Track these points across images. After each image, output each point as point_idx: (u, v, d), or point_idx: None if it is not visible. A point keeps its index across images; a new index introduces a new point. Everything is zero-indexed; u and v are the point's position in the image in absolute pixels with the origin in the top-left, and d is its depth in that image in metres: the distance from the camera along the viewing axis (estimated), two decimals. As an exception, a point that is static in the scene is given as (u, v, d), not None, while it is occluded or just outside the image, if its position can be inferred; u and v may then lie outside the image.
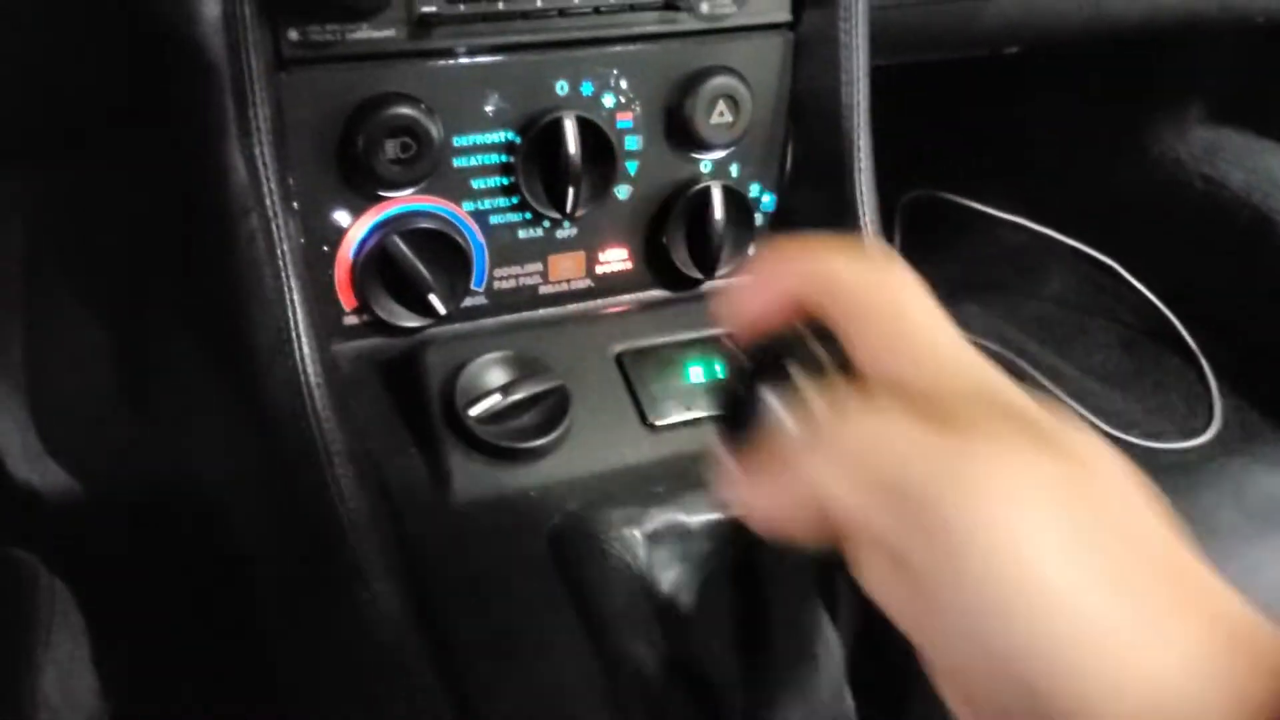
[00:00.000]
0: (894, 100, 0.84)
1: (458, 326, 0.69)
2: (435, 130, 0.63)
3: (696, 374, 0.68)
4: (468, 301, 0.68)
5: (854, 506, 0.30)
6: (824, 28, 0.69)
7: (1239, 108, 1.35)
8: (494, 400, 0.62)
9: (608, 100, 0.68)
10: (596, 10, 0.65)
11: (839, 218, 0.71)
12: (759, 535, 0.36)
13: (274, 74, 0.58)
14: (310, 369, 0.57)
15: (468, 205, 0.67)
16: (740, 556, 0.50)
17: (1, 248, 0.85)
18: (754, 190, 0.74)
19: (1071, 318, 1.43)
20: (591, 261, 0.72)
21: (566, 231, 0.70)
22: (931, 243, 1.44)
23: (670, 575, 0.59)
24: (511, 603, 0.55)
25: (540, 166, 0.67)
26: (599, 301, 0.73)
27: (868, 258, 0.36)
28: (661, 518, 0.59)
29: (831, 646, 0.53)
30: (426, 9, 0.61)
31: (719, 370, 0.68)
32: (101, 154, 0.72)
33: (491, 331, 0.68)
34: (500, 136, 0.66)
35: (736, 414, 0.38)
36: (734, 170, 0.73)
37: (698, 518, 0.59)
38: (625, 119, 0.69)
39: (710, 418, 0.66)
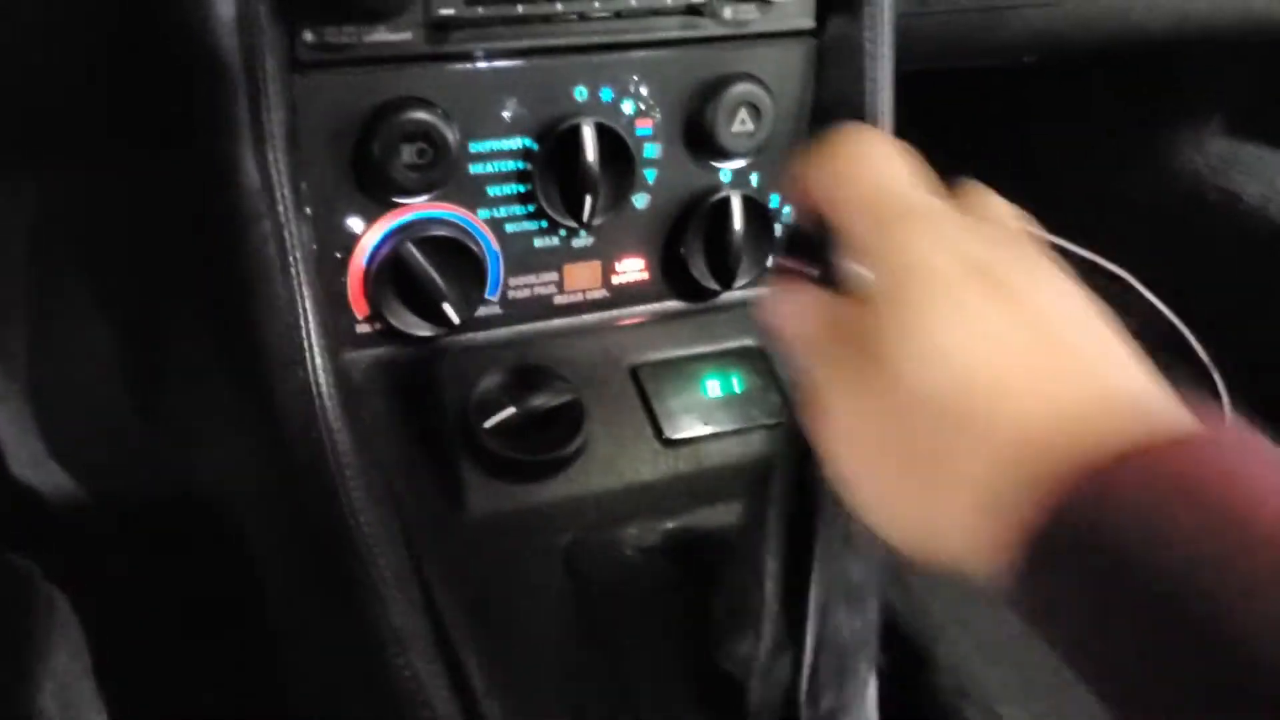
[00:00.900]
0: (905, 106, 0.83)
1: (471, 336, 0.67)
2: (452, 136, 0.61)
3: (714, 388, 0.66)
4: (481, 311, 0.67)
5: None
6: (849, 35, 0.68)
7: (1257, 120, 1.34)
8: (508, 413, 0.61)
9: (627, 107, 0.66)
10: (617, 15, 0.64)
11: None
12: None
13: (288, 76, 0.57)
14: (322, 380, 0.55)
15: (483, 213, 0.66)
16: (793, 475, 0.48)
17: (5, 249, 0.83)
18: (774, 200, 0.72)
19: (1083, 328, 1.42)
20: (608, 271, 0.71)
21: (583, 240, 0.69)
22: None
23: (687, 592, 0.57)
24: (526, 620, 0.54)
25: (557, 174, 0.65)
26: (615, 312, 0.72)
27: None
28: (677, 535, 0.58)
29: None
30: (445, 12, 0.60)
31: (736, 383, 0.67)
32: (110, 156, 0.71)
33: (505, 342, 0.67)
34: (517, 143, 0.65)
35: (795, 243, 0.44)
36: (754, 179, 0.71)
37: (714, 535, 0.58)
38: (645, 126, 0.67)
39: (725, 432, 0.65)
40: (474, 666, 0.51)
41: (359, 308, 0.64)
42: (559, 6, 0.62)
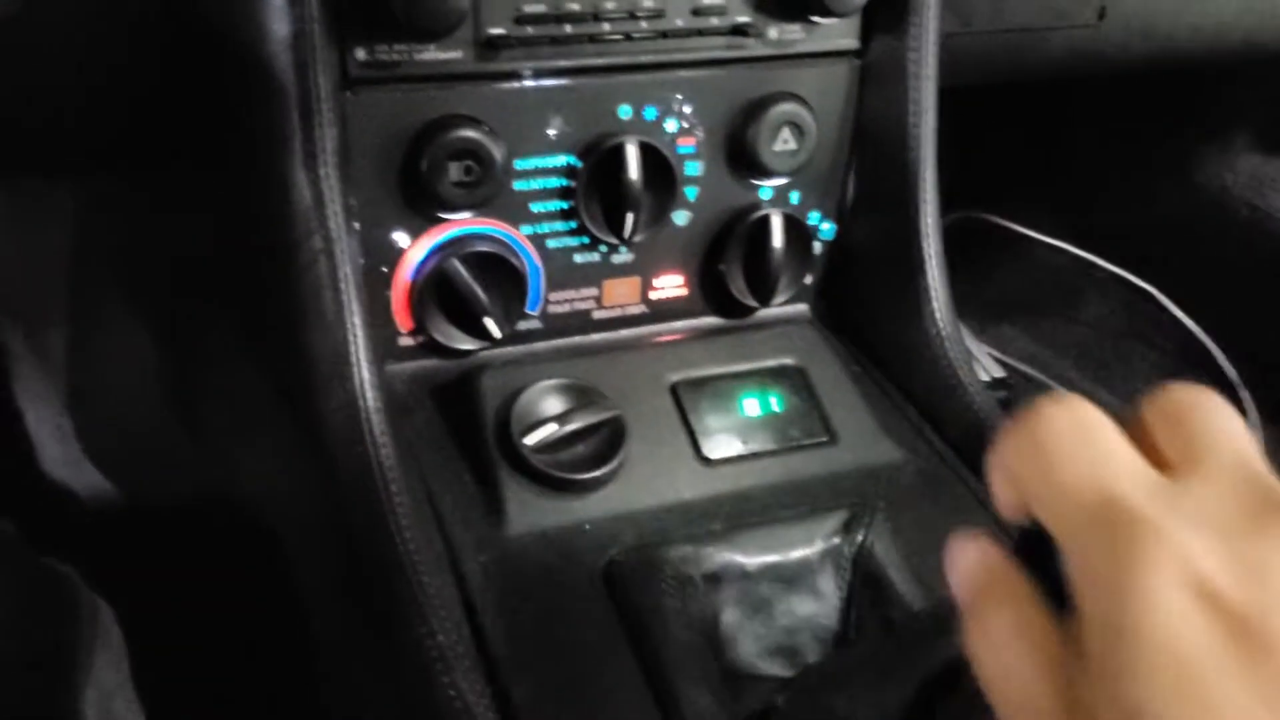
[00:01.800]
0: (938, 121, 0.83)
1: (511, 350, 0.68)
2: (498, 153, 0.62)
3: (752, 407, 0.67)
4: (522, 325, 0.67)
5: None
6: (893, 56, 0.68)
7: (1287, 137, 1.34)
8: (550, 429, 0.61)
9: (670, 125, 0.67)
10: (663, 35, 0.64)
11: (903, 248, 0.70)
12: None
13: (340, 94, 0.58)
14: (369, 394, 0.56)
15: (525, 229, 0.66)
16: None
17: (47, 252, 0.84)
18: (813, 218, 0.73)
19: (1109, 344, 1.42)
20: (647, 287, 0.71)
21: (623, 256, 0.69)
22: (971, 264, 1.42)
23: (726, 618, 0.58)
24: (568, 642, 0.54)
25: (600, 191, 0.66)
26: (653, 327, 0.72)
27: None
28: (719, 558, 0.58)
29: None
30: (494, 31, 0.60)
31: (775, 403, 0.67)
32: (158, 169, 0.72)
33: (545, 356, 0.67)
34: (561, 160, 0.65)
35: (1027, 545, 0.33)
36: (794, 197, 0.72)
37: (756, 560, 0.58)
38: (687, 144, 0.67)
39: (764, 451, 0.65)
40: (517, 687, 0.51)
41: (403, 321, 0.65)
42: (605, 27, 0.63)
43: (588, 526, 0.59)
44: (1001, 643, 0.30)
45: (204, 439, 0.79)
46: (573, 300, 0.70)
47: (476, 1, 0.59)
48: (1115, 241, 1.36)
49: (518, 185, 0.65)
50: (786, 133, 0.68)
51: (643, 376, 0.67)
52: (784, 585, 0.58)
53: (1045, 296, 1.45)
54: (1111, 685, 0.27)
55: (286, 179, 0.55)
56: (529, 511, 0.59)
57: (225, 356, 0.74)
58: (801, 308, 0.75)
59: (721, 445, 0.65)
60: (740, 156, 0.69)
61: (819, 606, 0.59)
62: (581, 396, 0.63)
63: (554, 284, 0.68)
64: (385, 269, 0.63)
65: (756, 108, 0.67)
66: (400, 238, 0.63)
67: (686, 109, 0.67)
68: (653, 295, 0.71)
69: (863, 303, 0.73)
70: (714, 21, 0.65)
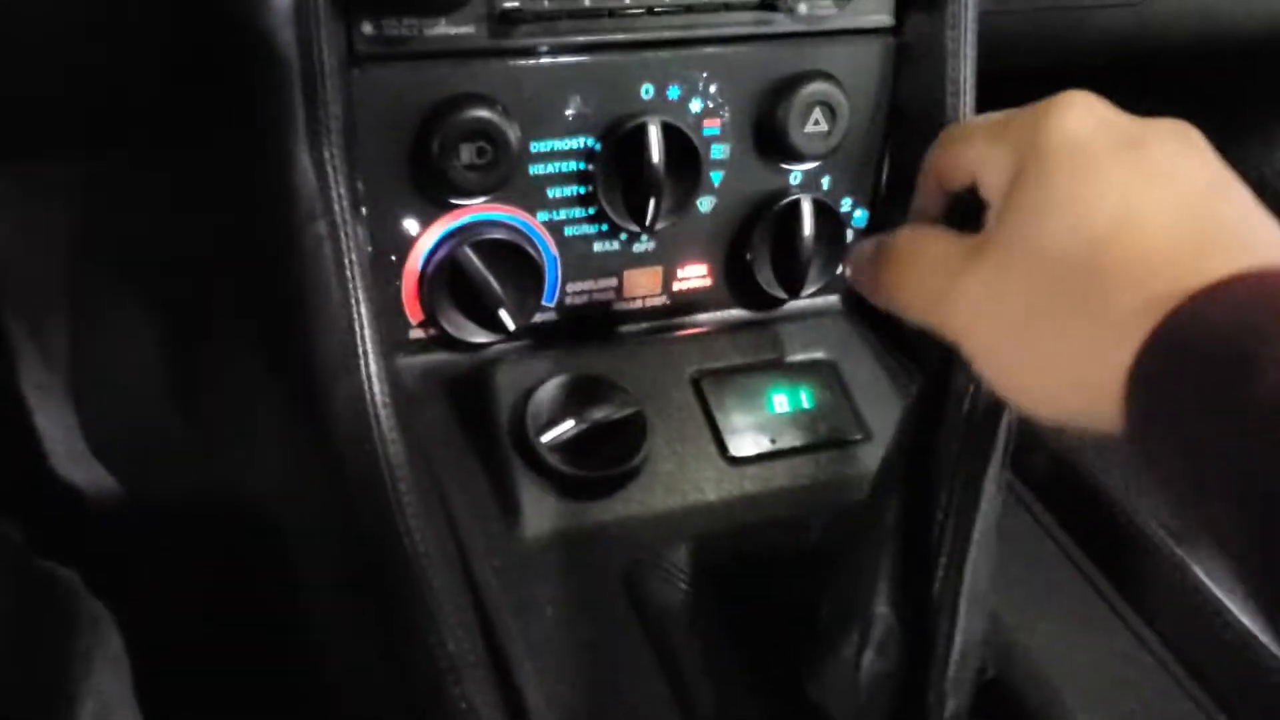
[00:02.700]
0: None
1: (527, 343, 0.65)
2: (513, 135, 0.58)
3: (780, 403, 0.63)
4: (538, 317, 0.64)
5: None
6: (930, 34, 0.65)
7: (1328, 128, 1.30)
8: (567, 426, 0.58)
9: (694, 105, 0.63)
10: (687, 9, 0.61)
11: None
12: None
13: (346, 71, 0.55)
14: (377, 388, 0.53)
15: (542, 215, 0.63)
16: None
17: (45, 237, 0.82)
18: (845, 204, 0.69)
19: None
20: (669, 277, 0.68)
21: (644, 245, 0.66)
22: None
23: (753, 618, 0.55)
24: (586, 649, 0.51)
25: (620, 175, 0.62)
26: (676, 320, 0.69)
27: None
28: (743, 559, 0.55)
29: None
30: (509, 4, 0.57)
31: (805, 398, 0.64)
32: (159, 152, 0.69)
33: (562, 350, 0.64)
34: (579, 142, 0.62)
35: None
36: (825, 183, 0.68)
37: (781, 558, 0.55)
38: (712, 125, 0.64)
39: (793, 449, 0.62)
40: (533, 696, 0.48)
41: (413, 312, 0.62)
42: (627, 0, 0.59)
43: (607, 528, 0.56)
44: (914, 239, 0.44)
45: (208, 433, 0.77)
46: (591, 291, 0.66)
47: (491, -26, 0.56)
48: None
49: (533, 169, 0.61)
50: (818, 114, 0.65)
51: (665, 371, 0.64)
52: None
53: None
54: (1025, 186, 0.38)
55: (289, 159, 0.52)
56: (545, 513, 0.56)
57: (230, 348, 0.71)
58: (833, 299, 0.72)
59: (748, 443, 0.61)
60: (769, 139, 0.65)
61: None
62: (600, 392, 0.60)
63: (572, 274, 0.65)
64: (394, 257, 0.60)
65: (786, 87, 0.64)
66: (410, 224, 0.60)
67: (712, 88, 0.63)
68: (675, 286, 0.68)
69: (897, 293, 0.70)
70: (741, -5, 0.62)
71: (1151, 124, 0.38)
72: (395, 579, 0.50)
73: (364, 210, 0.57)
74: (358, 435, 0.52)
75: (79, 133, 0.64)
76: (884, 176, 0.69)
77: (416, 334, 0.63)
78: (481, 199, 0.60)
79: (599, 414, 0.59)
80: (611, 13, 0.60)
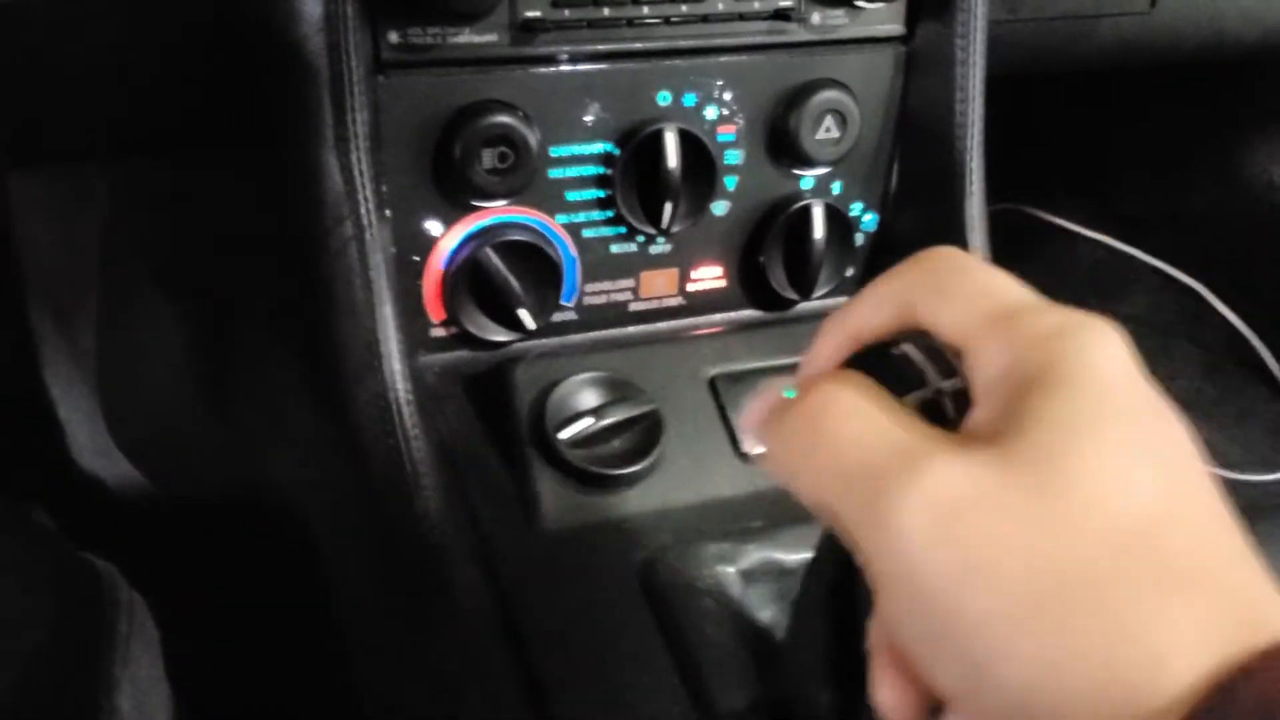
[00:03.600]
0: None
1: (546, 342, 0.66)
2: (533, 140, 0.60)
3: (792, 401, 0.65)
4: (556, 317, 0.66)
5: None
6: (939, 43, 0.66)
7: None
8: (585, 423, 0.60)
9: (710, 112, 0.65)
10: (703, 19, 0.63)
11: (945, 240, 0.68)
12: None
13: (372, 78, 0.56)
14: (399, 386, 0.55)
15: (561, 218, 0.64)
16: (836, 576, 0.44)
17: (77, 237, 0.84)
18: (856, 209, 0.71)
19: (1151, 339, 1.39)
20: (684, 279, 0.69)
21: (660, 247, 0.68)
22: (1012, 257, 1.39)
23: (766, 615, 0.56)
24: (602, 639, 0.53)
25: (638, 179, 0.64)
26: (691, 320, 0.70)
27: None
28: (757, 555, 0.56)
29: None
30: (530, 14, 0.59)
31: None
32: (188, 156, 0.71)
33: (580, 349, 0.66)
34: (598, 147, 0.63)
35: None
36: (836, 188, 0.70)
37: (794, 556, 0.57)
38: (727, 132, 0.66)
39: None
40: (550, 685, 0.50)
41: (435, 312, 0.63)
42: (645, 10, 0.61)
43: (623, 523, 0.58)
44: (842, 390, 0.32)
45: (235, 429, 0.79)
46: (609, 291, 0.68)
47: (512, -16, 0.58)
48: (1160, 236, 1.34)
49: (553, 173, 0.63)
50: (829, 121, 0.66)
51: (680, 370, 0.65)
52: None
53: (1087, 290, 1.42)
54: (1070, 412, 0.30)
55: (317, 164, 0.54)
56: (564, 507, 0.58)
57: (257, 346, 0.73)
58: (844, 300, 0.73)
59: (760, 441, 0.63)
60: (781, 145, 0.67)
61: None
62: (617, 390, 0.62)
63: (590, 275, 0.67)
64: (417, 258, 0.62)
65: (798, 95, 0.66)
66: (433, 226, 0.62)
67: (727, 95, 0.65)
68: (691, 287, 0.70)
69: (906, 296, 0.71)
70: (755, 5, 0.63)
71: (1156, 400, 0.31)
72: (418, 572, 0.51)
73: (388, 213, 0.59)
74: (380, 431, 0.54)
75: (115, 140, 0.65)
76: (894, 182, 0.71)
77: (438, 333, 0.64)
78: (502, 201, 0.62)
79: (616, 411, 0.60)
80: (630, 22, 0.61)
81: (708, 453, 0.62)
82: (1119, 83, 1.35)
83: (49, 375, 0.89)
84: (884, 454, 0.30)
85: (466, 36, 0.58)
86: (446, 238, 0.62)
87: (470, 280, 0.62)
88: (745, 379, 0.66)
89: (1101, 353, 0.31)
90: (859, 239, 0.71)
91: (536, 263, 0.63)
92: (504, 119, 0.59)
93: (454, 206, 0.62)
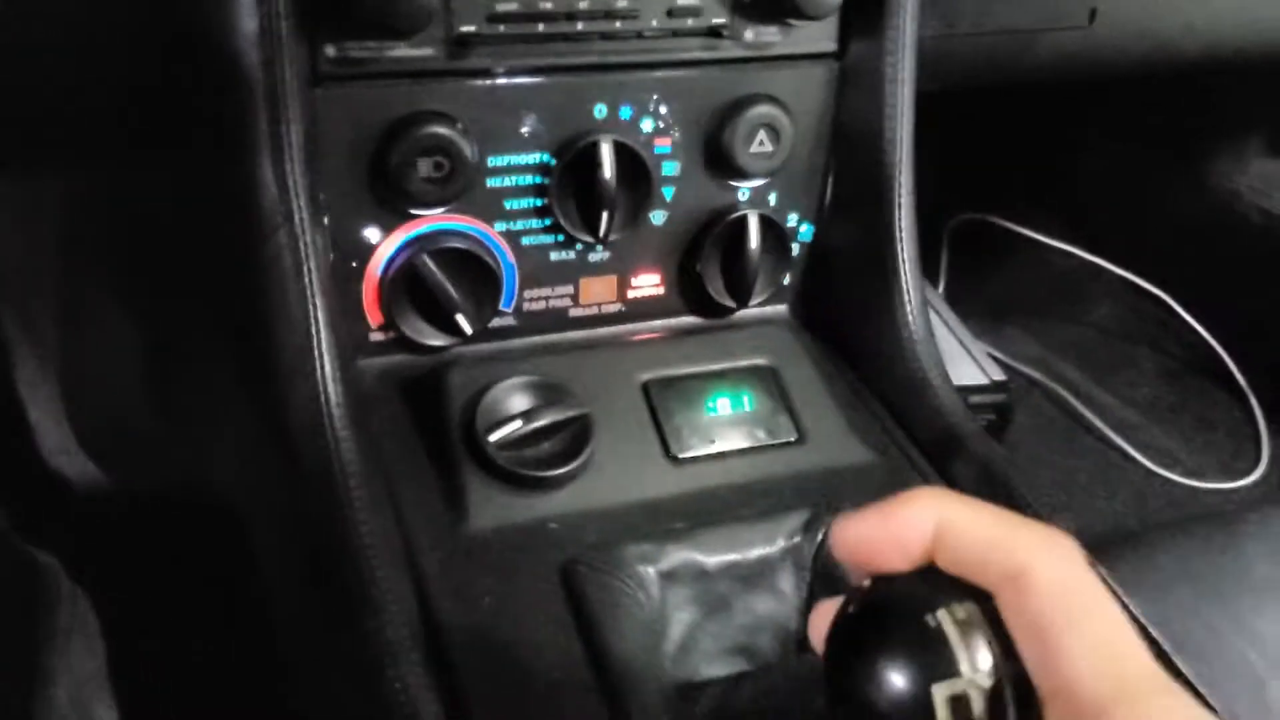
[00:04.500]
0: (945, 123, 0.82)
1: (484, 347, 0.68)
2: (469, 150, 0.62)
3: (724, 406, 0.67)
4: (496, 322, 0.68)
5: None
6: (870, 60, 0.68)
7: (1300, 141, 1.32)
8: (515, 426, 0.61)
9: (646, 125, 0.67)
10: (639, 35, 0.64)
11: (878, 250, 0.70)
12: None
13: (309, 89, 0.58)
14: (331, 389, 0.56)
15: (500, 225, 0.66)
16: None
17: (37, 241, 0.85)
18: (791, 219, 0.73)
19: (1116, 347, 1.41)
20: (623, 286, 0.71)
21: (599, 255, 0.70)
22: (978, 266, 1.41)
23: (684, 616, 0.58)
24: (520, 639, 0.54)
25: (575, 189, 0.66)
26: (629, 326, 0.72)
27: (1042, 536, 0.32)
28: (678, 556, 0.58)
29: None
30: (465, 29, 0.60)
31: (747, 401, 0.67)
32: (133, 161, 0.72)
33: (518, 353, 0.68)
34: (535, 158, 0.65)
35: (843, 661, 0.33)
36: (772, 199, 0.71)
37: (715, 558, 0.58)
38: (663, 144, 0.68)
39: (733, 450, 0.65)
40: (467, 682, 0.51)
41: (373, 316, 0.65)
42: (580, 26, 0.63)
43: (551, 524, 0.59)
44: None
45: (181, 429, 0.80)
46: (549, 298, 0.70)
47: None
48: (1125, 245, 1.35)
49: (491, 182, 0.65)
50: (763, 135, 0.68)
51: (615, 375, 0.67)
52: (743, 584, 0.58)
53: (1052, 300, 1.44)
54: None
55: (252, 174, 0.56)
56: (491, 507, 0.59)
57: (199, 347, 0.75)
58: (781, 309, 0.75)
59: (691, 444, 0.65)
60: (717, 158, 0.69)
61: (778, 606, 0.59)
62: (549, 394, 0.63)
63: (529, 281, 0.69)
64: (356, 264, 0.64)
65: (733, 109, 0.67)
66: (371, 233, 0.63)
67: (663, 109, 0.67)
68: (630, 294, 0.72)
69: (839, 304, 0.73)
70: (689, 22, 0.65)
71: None
72: (342, 568, 0.53)
73: (326, 220, 0.60)
74: (312, 431, 0.56)
75: (63, 145, 0.67)
76: (828, 194, 0.73)
77: (377, 337, 0.66)
78: (440, 209, 0.64)
79: (546, 415, 0.62)
80: (565, 37, 0.63)
81: (637, 456, 0.63)
82: (1086, 95, 1.36)
83: (15, 375, 0.91)
84: None
85: (403, 50, 0.60)
86: (384, 244, 0.64)
87: (407, 286, 0.64)
88: (679, 384, 0.67)
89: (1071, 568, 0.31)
90: (795, 249, 0.73)
91: (474, 269, 0.65)
92: (440, 129, 0.61)
93: (392, 214, 0.63)
